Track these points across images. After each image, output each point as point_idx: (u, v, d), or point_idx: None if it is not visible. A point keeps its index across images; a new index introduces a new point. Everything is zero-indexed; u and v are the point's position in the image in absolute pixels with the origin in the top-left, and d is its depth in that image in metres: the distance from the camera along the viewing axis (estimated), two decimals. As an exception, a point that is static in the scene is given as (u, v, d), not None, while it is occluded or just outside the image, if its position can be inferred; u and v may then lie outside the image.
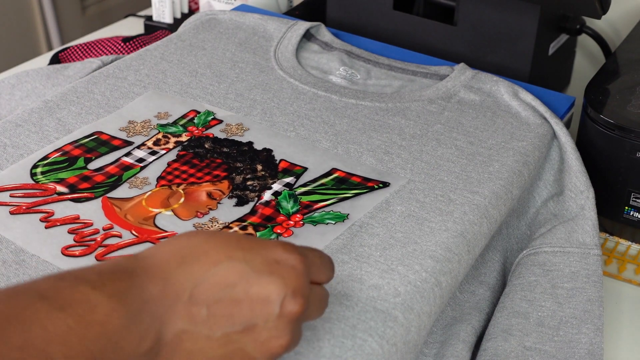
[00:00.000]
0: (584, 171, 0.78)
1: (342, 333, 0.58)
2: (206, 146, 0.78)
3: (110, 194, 0.71)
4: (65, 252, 0.65)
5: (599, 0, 0.85)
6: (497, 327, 0.68)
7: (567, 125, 0.87)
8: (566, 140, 0.80)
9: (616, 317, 0.75)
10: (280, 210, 0.70)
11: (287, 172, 0.75)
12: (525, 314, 0.69)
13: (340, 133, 0.80)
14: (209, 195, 0.72)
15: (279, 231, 0.68)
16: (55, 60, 1.09)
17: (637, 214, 0.80)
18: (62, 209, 0.69)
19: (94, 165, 0.75)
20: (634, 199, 0.80)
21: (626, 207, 0.80)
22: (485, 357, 0.66)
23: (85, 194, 0.71)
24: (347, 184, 0.73)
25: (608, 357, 0.71)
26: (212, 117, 0.82)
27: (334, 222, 0.68)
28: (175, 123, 0.81)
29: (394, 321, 0.59)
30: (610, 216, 0.82)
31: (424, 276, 0.63)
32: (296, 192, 0.72)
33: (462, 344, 0.67)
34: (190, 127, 0.80)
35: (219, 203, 0.71)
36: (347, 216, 0.69)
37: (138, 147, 0.77)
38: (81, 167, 0.74)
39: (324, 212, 0.70)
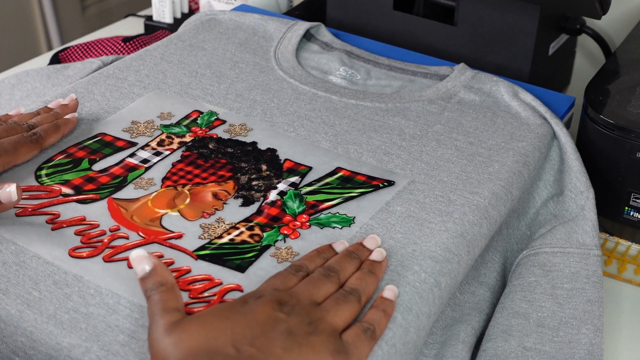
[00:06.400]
0: (584, 171, 0.78)
1: (341, 334, 0.58)
2: (210, 147, 0.78)
3: (115, 195, 0.71)
4: (73, 253, 0.65)
5: (599, 0, 0.85)
6: (497, 328, 0.68)
7: (567, 125, 0.87)
8: (566, 141, 0.80)
9: (616, 317, 0.75)
10: (287, 210, 0.70)
11: (292, 171, 0.74)
12: (525, 315, 0.69)
13: (340, 133, 0.80)
14: (215, 195, 0.72)
15: (285, 232, 0.68)
16: (55, 60, 1.09)
17: (637, 214, 0.80)
18: (68, 211, 0.69)
19: (98, 166, 0.75)
20: (634, 199, 0.80)
21: (626, 207, 0.80)
22: (485, 357, 0.66)
23: (90, 196, 0.71)
24: (352, 183, 0.73)
25: (608, 357, 0.71)
26: (215, 117, 0.82)
27: (340, 227, 0.68)
28: (178, 124, 0.81)
29: (392, 322, 0.59)
30: (610, 216, 0.82)
31: (423, 277, 0.63)
32: (302, 192, 0.72)
33: (462, 345, 0.67)
34: (193, 128, 0.80)
35: (224, 203, 0.71)
36: (353, 220, 0.69)
37: (142, 147, 0.77)
38: (86, 169, 0.74)
39: (330, 214, 0.70)
